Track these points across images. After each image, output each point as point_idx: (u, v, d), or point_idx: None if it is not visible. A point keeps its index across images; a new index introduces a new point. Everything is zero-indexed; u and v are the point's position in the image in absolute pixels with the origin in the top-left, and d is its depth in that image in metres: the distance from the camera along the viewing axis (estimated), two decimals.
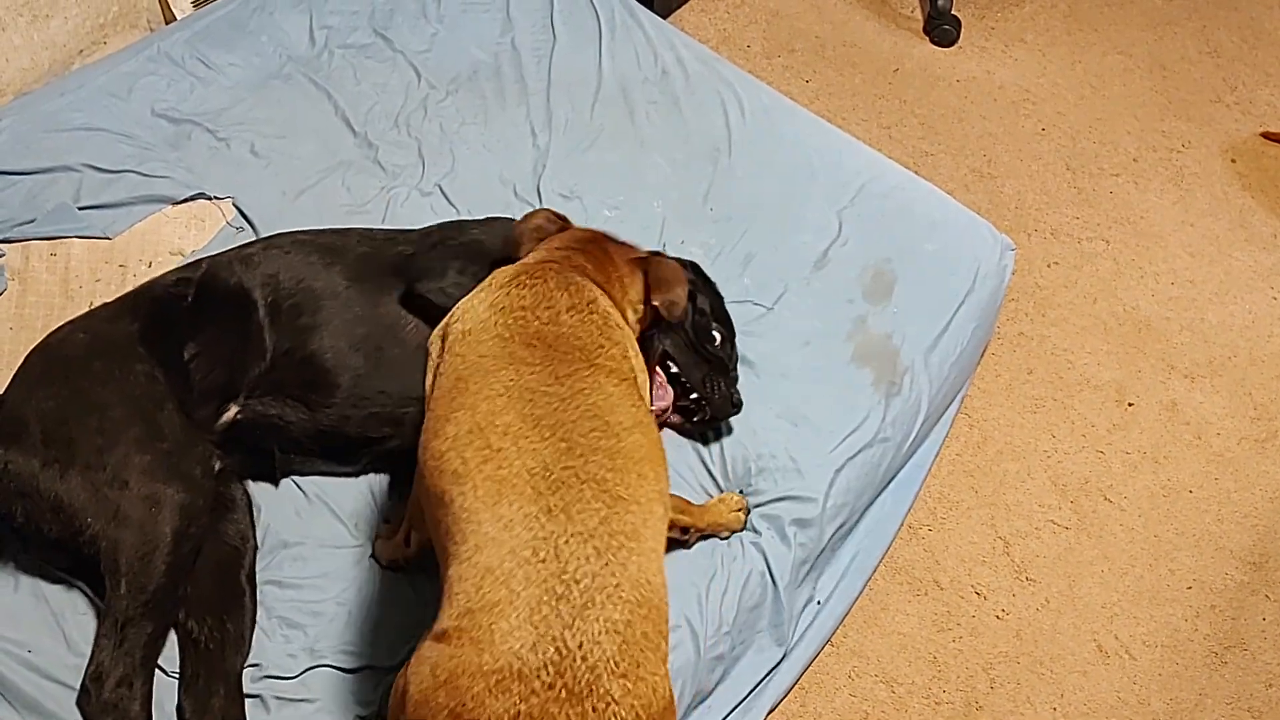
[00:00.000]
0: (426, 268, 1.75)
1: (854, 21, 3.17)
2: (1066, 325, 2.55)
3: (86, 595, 1.55)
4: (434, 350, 1.45)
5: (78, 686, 1.45)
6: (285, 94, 2.30)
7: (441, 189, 2.16)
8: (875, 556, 2.03)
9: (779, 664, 1.80)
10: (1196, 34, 3.28)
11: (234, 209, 2.08)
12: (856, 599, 1.98)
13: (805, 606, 1.86)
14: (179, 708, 1.48)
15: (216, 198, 2.09)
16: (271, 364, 1.67)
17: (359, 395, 1.67)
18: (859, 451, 1.90)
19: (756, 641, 1.78)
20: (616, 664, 1.05)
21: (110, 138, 2.15)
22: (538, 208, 1.81)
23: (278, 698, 1.52)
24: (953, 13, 3.13)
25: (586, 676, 1.03)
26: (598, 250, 1.61)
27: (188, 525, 1.49)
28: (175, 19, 2.59)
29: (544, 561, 1.09)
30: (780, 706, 1.87)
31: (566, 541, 1.11)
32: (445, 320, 1.47)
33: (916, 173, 2.34)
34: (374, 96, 2.32)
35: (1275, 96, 3.13)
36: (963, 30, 3.16)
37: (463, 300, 1.48)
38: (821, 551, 1.85)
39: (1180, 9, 3.35)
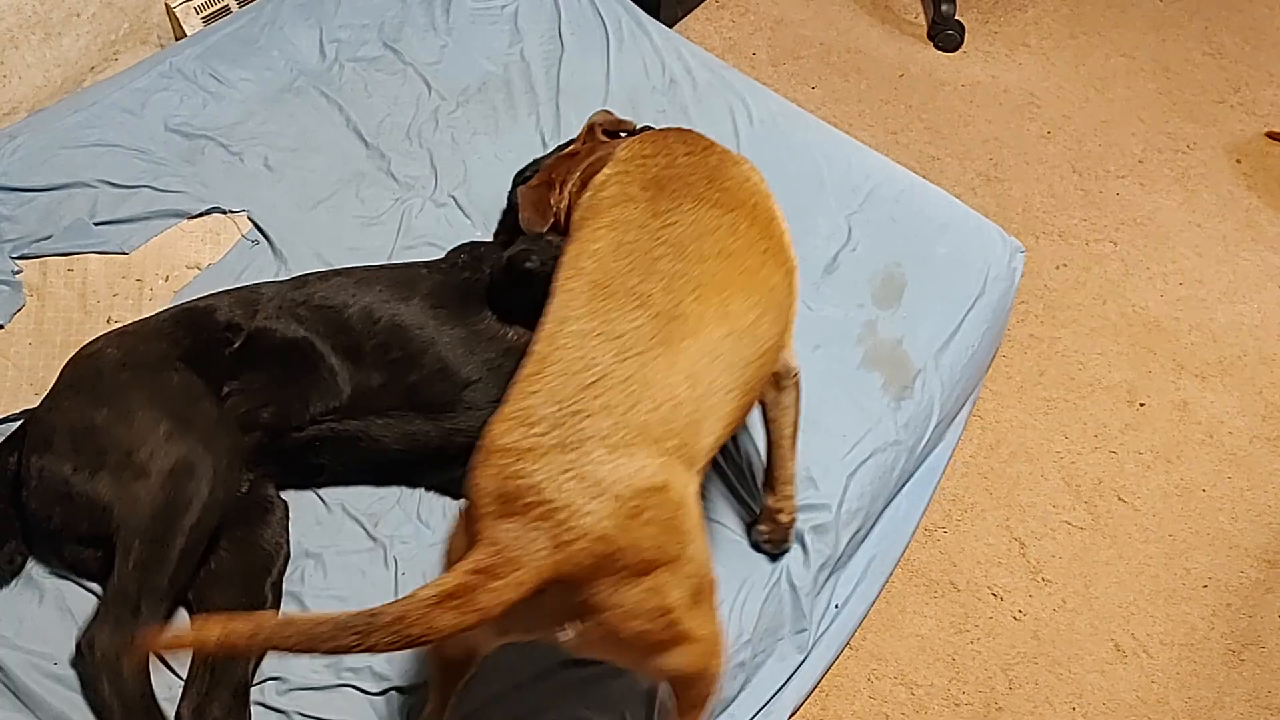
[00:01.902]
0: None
1: (858, 28, 3.19)
2: (1076, 327, 2.55)
3: None
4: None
5: None
6: (297, 107, 2.32)
7: (455, 200, 2.17)
8: (892, 560, 2.03)
9: (798, 668, 1.81)
10: (1199, 35, 3.30)
11: (249, 222, 2.10)
12: (874, 602, 1.99)
13: (825, 612, 1.86)
14: (177, 714, 1.47)
15: (231, 211, 2.11)
16: (356, 398, 1.68)
17: (480, 404, 1.69)
18: (871, 456, 1.90)
19: (778, 649, 1.78)
20: (607, 435, 1.18)
21: (125, 153, 2.17)
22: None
23: (302, 714, 1.52)
24: (956, 18, 3.15)
25: (576, 437, 1.17)
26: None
27: (205, 511, 1.50)
28: (186, 35, 2.61)
29: (571, 349, 1.26)
30: (801, 710, 1.87)
31: (595, 339, 1.26)
32: (581, 201, 1.61)
33: (924, 177, 2.35)
34: (385, 109, 2.33)
35: (1279, 96, 3.14)
36: (966, 35, 3.18)
37: (590, 182, 1.61)
38: (839, 557, 1.85)
39: (1182, 11, 3.36)
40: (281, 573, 1.62)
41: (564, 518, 1.13)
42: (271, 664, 1.55)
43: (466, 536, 1.20)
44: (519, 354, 1.69)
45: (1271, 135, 3.02)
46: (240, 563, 1.59)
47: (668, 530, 1.19)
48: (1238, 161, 2.96)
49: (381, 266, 1.87)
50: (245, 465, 1.64)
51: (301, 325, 1.72)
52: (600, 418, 1.19)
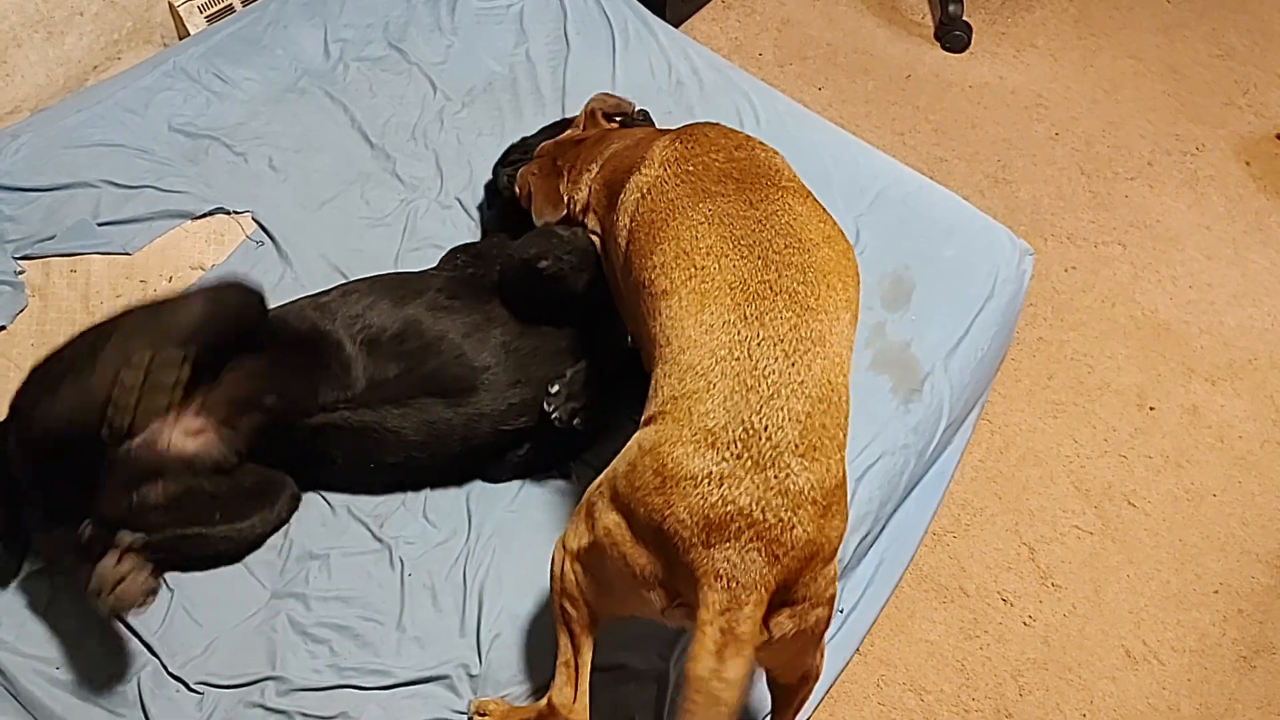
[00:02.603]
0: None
1: (865, 28, 3.17)
2: (1085, 330, 2.54)
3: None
4: (617, 225, 1.60)
5: (104, 702, 1.45)
6: (301, 107, 2.30)
7: (460, 201, 2.15)
8: (901, 564, 2.01)
9: None
10: (1207, 37, 3.28)
11: (254, 223, 2.08)
12: (883, 607, 1.97)
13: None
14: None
15: (236, 212, 2.09)
16: (367, 389, 1.67)
17: (499, 386, 1.69)
18: (880, 459, 1.88)
19: None
20: (796, 445, 1.19)
21: (128, 153, 2.16)
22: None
23: (304, 714, 1.51)
24: (964, 19, 3.14)
25: (770, 452, 1.18)
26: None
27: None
28: (189, 34, 2.60)
29: (738, 359, 1.25)
30: (810, 717, 1.86)
31: (759, 344, 1.26)
32: (620, 204, 1.60)
33: (931, 179, 2.33)
34: (390, 109, 2.32)
35: None
36: (974, 36, 3.16)
37: (629, 180, 1.61)
38: (847, 561, 1.83)
39: (1190, 12, 3.35)
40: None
41: (776, 534, 1.17)
42: (270, 664, 1.54)
43: (659, 559, 1.22)
44: (533, 335, 1.72)
45: None
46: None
47: (845, 517, 1.26)
48: (1247, 164, 2.95)
49: (391, 273, 1.88)
50: (248, 449, 1.64)
51: (317, 316, 1.73)
52: (789, 429, 1.21)
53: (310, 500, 1.73)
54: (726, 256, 1.37)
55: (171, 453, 1.57)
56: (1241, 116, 3.07)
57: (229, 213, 2.09)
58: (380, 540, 1.69)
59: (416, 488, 1.76)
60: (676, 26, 2.79)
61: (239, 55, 2.39)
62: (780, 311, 1.30)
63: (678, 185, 1.52)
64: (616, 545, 1.26)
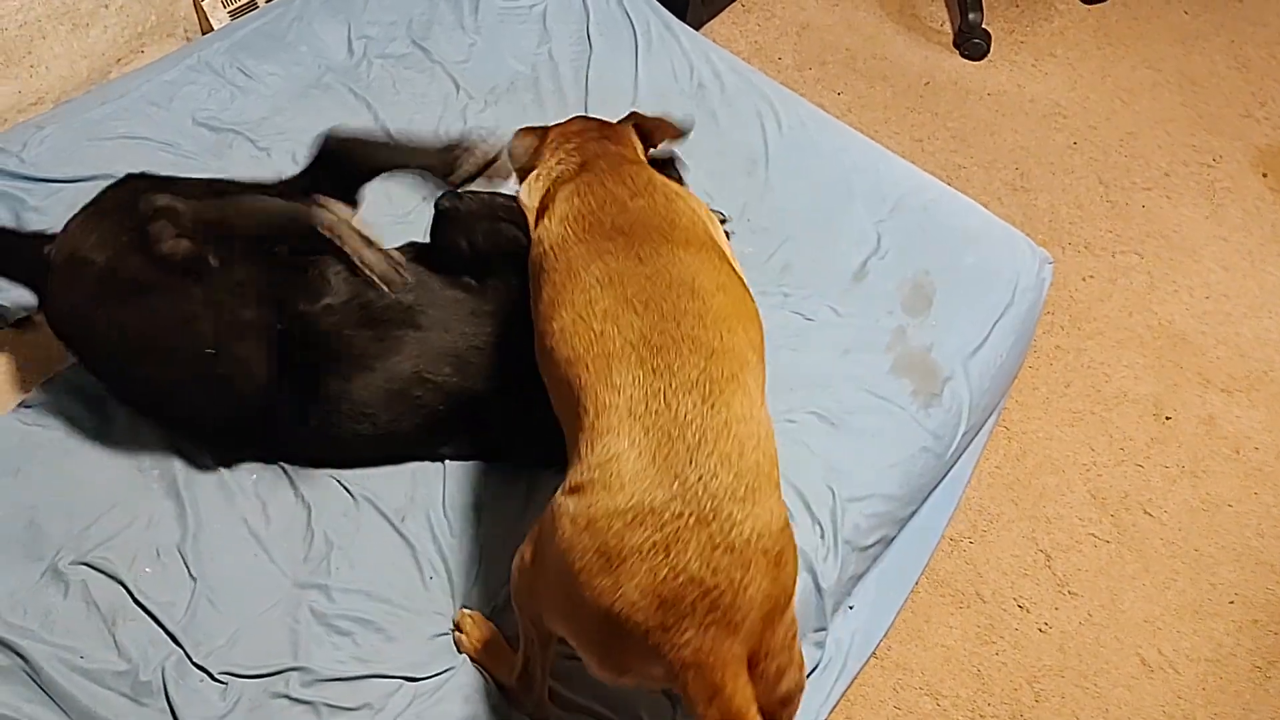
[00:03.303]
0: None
1: (884, 35, 3.18)
2: (1102, 339, 2.54)
3: (136, 601, 1.55)
4: (530, 274, 1.59)
5: (128, 692, 1.45)
6: (325, 103, 2.31)
7: None
8: (917, 568, 2.02)
9: (814, 671, 1.78)
10: (1225, 48, 3.28)
11: None
12: (899, 611, 1.97)
13: (837, 611, 1.84)
14: None
15: None
16: (349, 300, 1.69)
17: (427, 331, 1.71)
18: (900, 462, 1.89)
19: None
20: (734, 490, 1.17)
21: (153, 146, 2.16)
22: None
23: (329, 705, 1.51)
24: (983, 27, 3.14)
25: (709, 503, 1.15)
26: (597, 125, 1.81)
27: None
28: (212, 28, 2.60)
29: (655, 413, 1.23)
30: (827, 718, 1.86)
31: (673, 393, 1.25)
32: (529, 254, 1.60)
33: (950, 185, 2.33)
34: (413, 106, 2.32)
35: None
36: (992, 44, 3.17)
37: (535, 230, 1.61)
38: (867, 563, 1.84)
39: (1208, 24, 3.35)
40: None
41: (730, 600, 1.13)
42: (294, 655, 1.54)
43: (612, 640, 1.17)
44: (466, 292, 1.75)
45: None
46: None
47: (795, 555, 1.23)
48: (1264, 175, 2.95)
49: None
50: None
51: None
52: (722, 474, 1.18)
53: (331, 490, 1.73)
54: (623, 316, 1.35)
55: None
56: (1259, 128, 3.07)
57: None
58: (402, 535, 1.70)
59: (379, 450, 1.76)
60: (696, 29, 2.80)
61: (263, 50, 2.39)
62: (686, 357, 1.29)
63: (575, 244, 1.50)
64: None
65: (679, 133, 1.89)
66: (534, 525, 1.35)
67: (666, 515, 1.15)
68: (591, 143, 1.75)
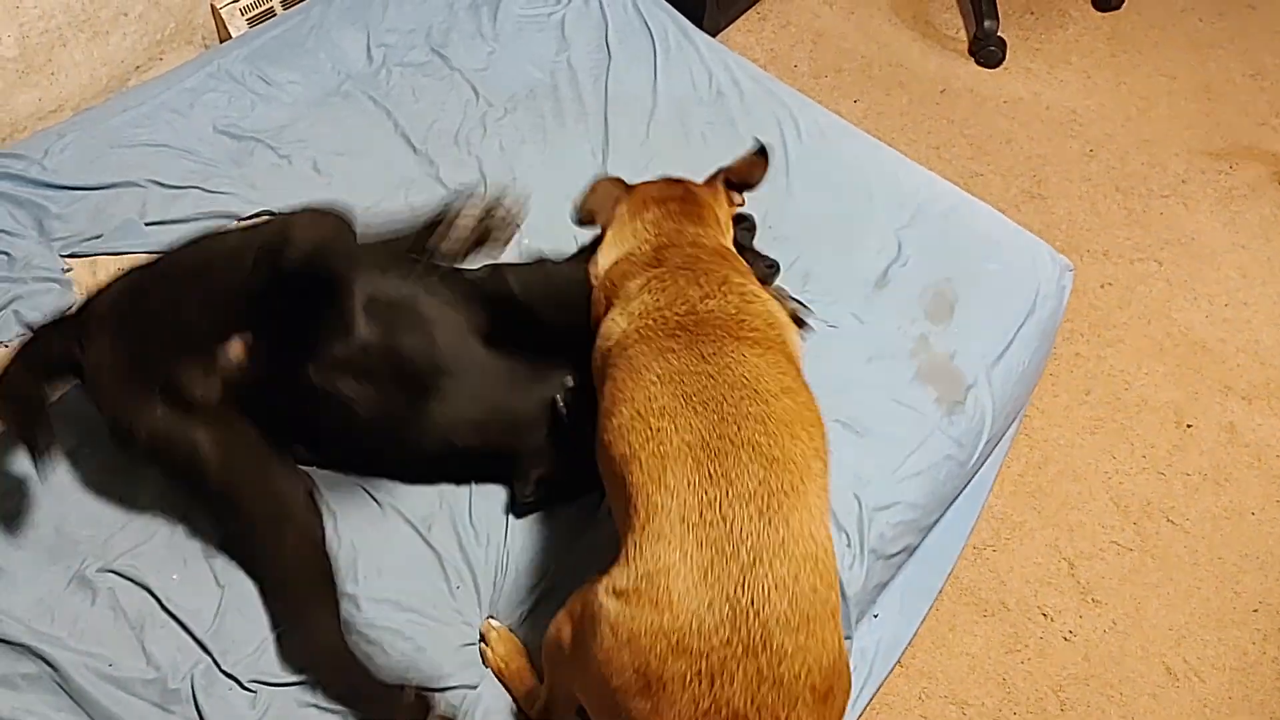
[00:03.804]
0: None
1: (900, 42, 3.18)
2: (1122, 346, 2.53)
3: (164, 608, 1.54)
4: (594, 364, 1.57)
5: (156, 699, 1.45)
6: (345, 111, 2.31)
7: None
8: (941, 575, 2.01)
9: None
10: (1240, 57, 3.28)
11: None
12: (924, 619, 1.97)
13: (862, 620, 1.83)
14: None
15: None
16: (363, 351, 1.63)
17: (459, 399, 1.67)
18: (924, 470, 1.88)
19: None
20: (788, 619, 1.12)
21: (174, 154, 2.16)
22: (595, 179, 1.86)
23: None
24: (998, 34, 3.14)
25: (760, 632, 1.10)
26: (680, 195, 1.74)
27: None
28: (230, 36, 2.61)
29: (711, 525, 1.18)
30: None
31: (730, 504, 1.20)
32: (595, 346, 1.57)
33: (967, 193, 2.33)
34: (433, 114, 2.32)
35: None
36: (1008, 51, 3.17)
37: (604, 319, 1.57)
38: (892, 572, 1.83)
39: (1223, 32, 3.35)
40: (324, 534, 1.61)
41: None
42: None
43: None
44: (511, 361, 1.70)
45: None
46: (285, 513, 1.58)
47: (847, 692, 1.18)
48: None
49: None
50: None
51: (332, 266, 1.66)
52: (776, 599, 1.13)
53: (358, 497, 1.72)
54: (681, 415, 1.31)
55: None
56: (1275, 136, 3.07)
57: (274, 214, 2.10)
58: (429, 544, 1.69)
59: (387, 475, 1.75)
60: (712, 36, 2.80)
61: (282, 58, 2.40)
62: (745, 465, 1.24)
63: (640, 341, 1.46)
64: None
65: (766, 162, 1.85)
66: (573, 601, 1.31)
67: (714, 642, 1.11)
68: (671, 220, 1.68)
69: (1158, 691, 2.01)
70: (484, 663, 1.57)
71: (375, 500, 1.72)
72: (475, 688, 1.54)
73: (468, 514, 1.73)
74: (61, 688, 1.46)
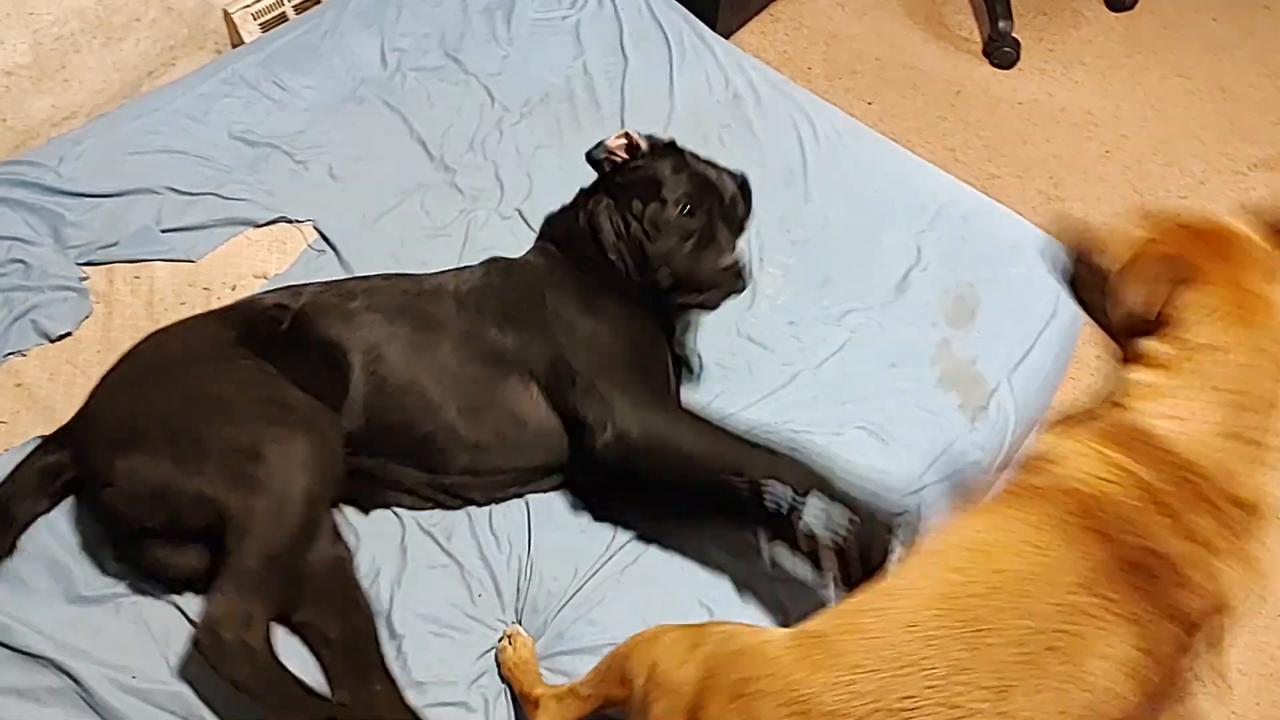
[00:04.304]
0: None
1: (913, 44, 3.17)
2: None
3: (189, 619, 1.53)
4: None
5: (182, 713, 1.44)
6: (360, 116, 2.30)
7: (520, 213, 2.14)
8: None
9: None
10: (1255, 57, 3.27)
11: (315, 231, 2.07)
12: None
13: None
14: (339, 704, 1.45)
15: (297, 221, 2.08)
16: (368, 429, 1.64)
17: (478, 469, 1.67)
18: (948, 476, 1.87)
19: None
20: None
21: (189, 160, 2.15)
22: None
23: None
24: (1012, 35, 3.13)
25: None
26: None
27: (320, 483, 1.49)
28: (242, 41, 2.60)
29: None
30: None
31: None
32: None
33: (984, 195, 2.32)
34: (448, 119, 2.31)
35: None
36: (1021, 52, 3.15)
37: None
38: None
39: (1237, 32, 3.34)
40: (354, 568, 1.60)
41: None
42: None
43: None
44: (532, 432, 1.67)
45: None
46: (320, 564, 1.56)
47: None
48: None
49: (421, 291, 1.78)
50: None
51: (339, 331, 1.67)
52: None
53: (375, 512, 1.71)
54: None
55: None
56: None
57: (291, 221, 2.09)
58: (449, 554, 1.68)
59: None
60: (726, 39, 2.79)
61: (297, 63, 2.39)
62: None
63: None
64: None
65: None
66: (696, 631, 1.26)
67: None
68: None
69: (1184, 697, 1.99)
70: (497, 662, 1.56)
71: (394, 513, 1.70)
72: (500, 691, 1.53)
73: (488, 522, 1.71)
74: (85, 701, 1.45)
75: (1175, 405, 1.22)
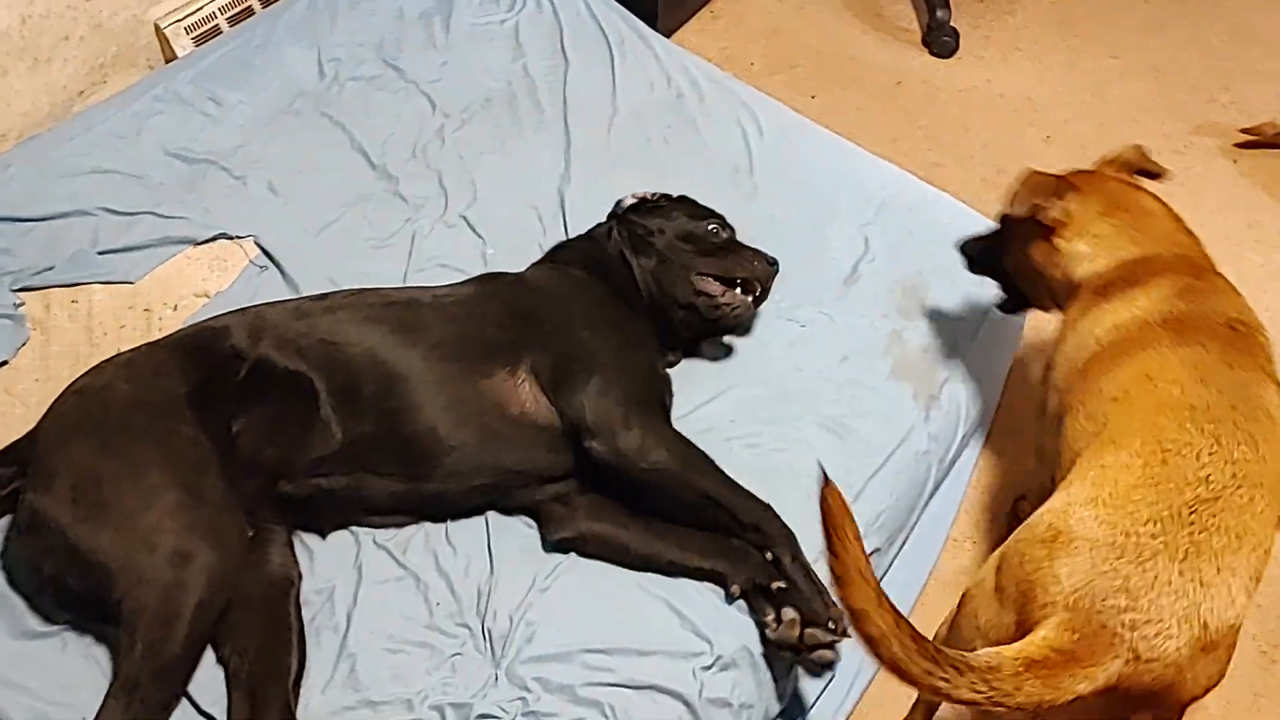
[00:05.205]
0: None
1: (853, 36, 3.18)
2: None
3: None
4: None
5: None
6: (298, 129, 2.27)
7: (466, 219, 2.12)
8: (925, 569, 2.01)
9: (831, 682, 1.77)
10: (1188, 36, 3.32)
11: (256, 247, 2.04)
12: (910, 614, 1.96)
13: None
14: None
15: (238, 237, 2.05)
16: (347, 446, 1.61)
17: (457, 470, 1.64)
18: (904, 467, 1.88)
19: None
20: (1216, 555, 1.26)
21: (124, 180, 2.12)
22: None
23: None
24: (950, 24, 3.15)
25: (1187, 545, 1.25)
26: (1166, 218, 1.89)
27: (214, 594, 1.44)
28: (175, 57, 2.55)
29: (1183, 463, 1.35)
30: None
31: (1210, 458, 1.35)
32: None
33: (927, 184, 2.33)
34: (389, 128, 2.29)
35: (1265, 94, 3.17)
36: (960, 40, 3.18)
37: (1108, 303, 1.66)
38: (883, 573, 1.82)
39: (1170, 13, 3.38)
40: (299, 593, 1.58)
41: (1150, 634, 1.19)
42: (305, 700, 1.50)
43: (1011, 608, 1.31)
44: (515, 427, 1.65)
45: (1246, 132, 3.03)
46: (257, 591, 1.54)
47: (1222, 668, 1.24)
48: (1234, 161, 2.98)
49: (390, 301, 1.77)
50: (249, 508, 1.58)
51: (303, 360, 1.64)
52: (1214, 535, 1.24)
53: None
54: (1193, 390, 1.45)
55: None
56: (1225, 113, 3.10)
57: (231, 238, 2.06)
58: (405, 568, 1.66)
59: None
60: (666, 38, 2.78)
61: (231, 77, 2.35)
62: (1239, 444, 1.37)
63: (1158, 328, 1.57)
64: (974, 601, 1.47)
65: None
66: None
67: (1138, 527, 1.28)
68: (1157, 222, 1.83)
69: None
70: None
71: (350, 531, 1.68)
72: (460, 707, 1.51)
73: (444, 534, 1.70)
74: None
75: (1113, 240, 1.76)
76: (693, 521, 1.64)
